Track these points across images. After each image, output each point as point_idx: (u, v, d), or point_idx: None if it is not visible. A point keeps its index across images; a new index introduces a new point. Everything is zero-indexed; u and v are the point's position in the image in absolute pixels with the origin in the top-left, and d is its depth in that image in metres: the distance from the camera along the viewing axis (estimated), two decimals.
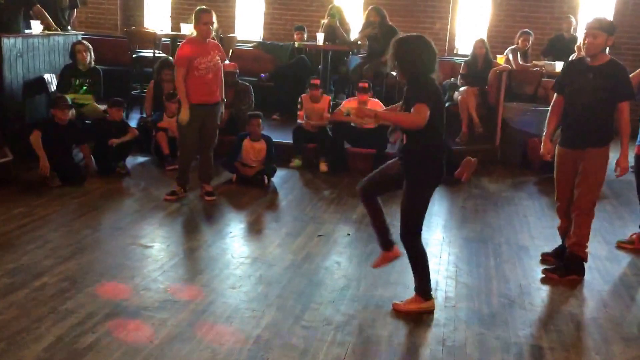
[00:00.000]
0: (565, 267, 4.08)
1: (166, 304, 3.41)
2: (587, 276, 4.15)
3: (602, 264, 4.32)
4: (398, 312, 3.44)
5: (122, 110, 6.22)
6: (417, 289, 3.50)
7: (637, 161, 4.72)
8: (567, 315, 3.61)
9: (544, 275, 4.10)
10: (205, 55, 5.12)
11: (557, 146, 4.21)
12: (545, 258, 4.36)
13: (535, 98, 7.78)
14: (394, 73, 8.18)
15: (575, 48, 7.91)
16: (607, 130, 4.01)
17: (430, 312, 3.45)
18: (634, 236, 4.77)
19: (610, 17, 9.02)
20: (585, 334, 3.40)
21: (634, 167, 4.84)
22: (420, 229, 3.45)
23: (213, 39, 5.36)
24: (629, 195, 5.84)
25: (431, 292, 3.53)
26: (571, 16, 8.79)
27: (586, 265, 4.27)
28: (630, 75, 5.26)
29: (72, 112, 5.92)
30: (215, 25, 5.17)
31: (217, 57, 5.20)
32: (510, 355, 3.09)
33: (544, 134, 4.30)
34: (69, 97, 5.98)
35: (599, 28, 3.89)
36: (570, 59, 7.90)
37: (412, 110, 3.18)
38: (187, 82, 5.11)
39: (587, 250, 4.12)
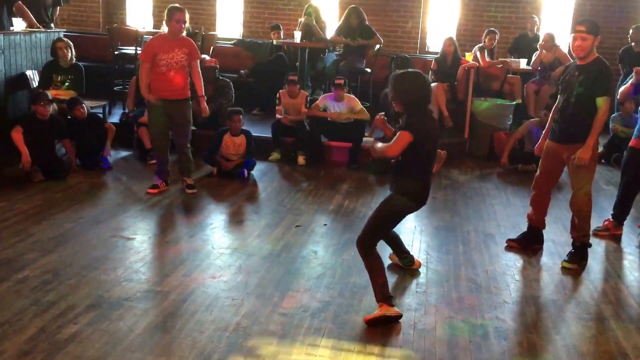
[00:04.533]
0: (575, 255, 4.24)
1: (148, 294, 3.46)
2: (549, 261, 4.37)
3: (562, 249, 4.49)
4: (369, 323, 3.28)
5: (82, 107, 6.07)
6: (379, 299, 3.35)
7: (630, 153, 4.81)
8: (530, 298, 3.77)
9: (510, 262, 4.28)
10: (167, 52, 5.07)
11: (546, 139, 4.36)
12: (510, 244, 4.56)
13: (501, 93, 8.00)
14: (368, 68, 8.27)
15: (538, 46, 8.19)
16: (589, 126, 4.03)
17: (398, 318, 3.31)
18: (607, 223, 4.92)
19: (570, 17, 9.28)
20: (546, 315, 3.55)
21: (624, 159, 4.88)
22: (375, 244, 3.43)
23: (191, 37, 5.39)
24: (598, 183, 6.07)
25: (393, 299, 3.38)
26: (535, 16, 9.06)
27: (547, 250, 4.50)
28: (629, 83, 5.42)
29: (53, 108, 5.93)
30: (187, 24, 5.15)
31: (183, 55, 5.12)
32: (476, 336, 3.21)
33: (544, 130, 4.45)
34: (50, 93, 5.99)
35: (586, 31, 4.01)
36: (534, 56, 8.18)
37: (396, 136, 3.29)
38: (151, 76, 5.14)
39: (590, 237, 4.31)
